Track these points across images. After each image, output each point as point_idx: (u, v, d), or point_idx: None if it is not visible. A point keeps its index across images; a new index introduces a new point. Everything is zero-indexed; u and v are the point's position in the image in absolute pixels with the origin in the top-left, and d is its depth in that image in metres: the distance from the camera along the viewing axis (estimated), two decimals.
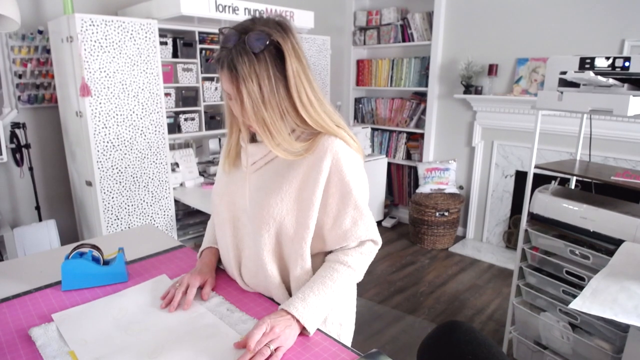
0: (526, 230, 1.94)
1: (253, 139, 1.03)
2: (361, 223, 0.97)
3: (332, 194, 0.94)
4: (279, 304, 1.01)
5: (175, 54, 2.74)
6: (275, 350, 0.82)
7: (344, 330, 1.10)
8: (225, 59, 0.86)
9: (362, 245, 0.99)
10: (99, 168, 2.37)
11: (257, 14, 2.76)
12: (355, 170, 0.95)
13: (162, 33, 2.63)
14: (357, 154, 0.97)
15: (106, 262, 1.12)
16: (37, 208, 2.56)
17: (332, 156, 0.92)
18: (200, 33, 2.80)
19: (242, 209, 1.01)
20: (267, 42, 0.85)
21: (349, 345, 1.08)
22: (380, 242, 1.02)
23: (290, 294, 1.00)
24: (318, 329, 0.93)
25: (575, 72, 1.65)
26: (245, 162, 1.02)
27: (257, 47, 0.84)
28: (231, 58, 0.85)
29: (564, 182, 2.12)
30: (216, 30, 2.88)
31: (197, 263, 1.14)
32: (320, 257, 1.01)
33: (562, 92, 1.70)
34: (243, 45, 0.85)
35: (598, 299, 1.33)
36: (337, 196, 0.94)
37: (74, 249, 1.11)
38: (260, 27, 0.86)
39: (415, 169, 4.01)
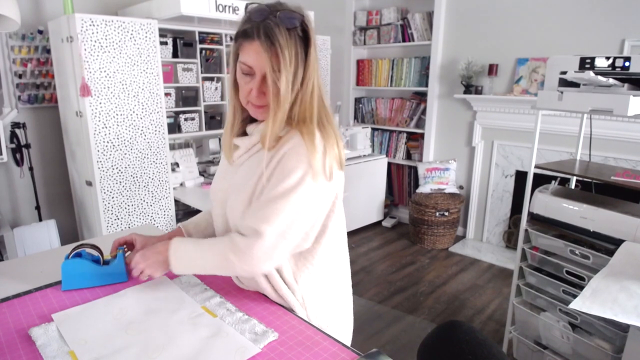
0: (526, 230, 1.94)
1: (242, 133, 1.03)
2: (262, 212, 0.89)
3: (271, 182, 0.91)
4: (276, 302, 1.01)
5: (175, 54, 2.74)
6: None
7: (341, 329, 1.09)
8: (259, 28, 0.85)
9: (248, 236, 0.90)
10: (99, 168, 2.37)
11: None
12: (297, 166, 0.88)
13: (162, 33, 2.63)
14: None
15: (106, 262, 1.12)
16: (37, 208, 2.56)
17: (286, 149, 0.90)
18: (200, 33, 2.80)
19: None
20: (299, 22, 0.86)
21: (349, 344, 1.08)
22: (266, 240, 0.88)
23: (276, 289, 1.00)
24: (318, 329, 0.93)
25: (575, 72, 1.65)
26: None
27: (290, 24, 0.85)
28: (269, 27, 0.84)
29: (564, 182, 2.12)
30: (217, 30, 2.88)
31: None
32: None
33: (562, 92, 1.70)
34: (275, 19, 0.85)
35: (598, 299, 1.33)
36: (270, 183, 0.91)
37: (74, 249, 1.11)
38: (291, 8, 0.88)
39: (415, 169, 4.01)
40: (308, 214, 0.92)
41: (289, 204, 0.88)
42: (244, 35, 0.89)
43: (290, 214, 0.89)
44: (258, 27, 0.85)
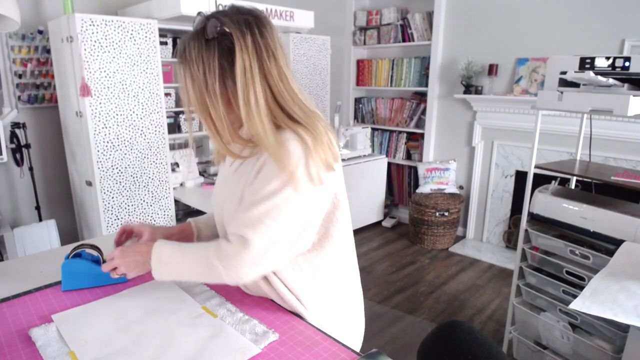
0: (526, 230, 1.94)
1: None
2: (246, 217, 0.86)
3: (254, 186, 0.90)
4: (279, 304, 1.01)
5: (175, 54, 2.73)
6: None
7: (351, 335, 1.07)
8: (180, 45, 0.90)
9: (234, 243, 0.87)
10: (99, 168, 2.37)
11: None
12: (277, 172, 0.85)
13: (162, 33, 2.63)
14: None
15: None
16: (37, 208, 2.56)
17: (267, 154, 0.87)
18: None
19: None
20: (217, 31, 0.85)
21: (358, 348, 1.07)
22: (254, 247, 0.84)
23: (281, 296, 0.97)
24: (318, 329, 0.93)
25: (575, 72, 1.65)
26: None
27: (210, 34, 0.85)
28: (185, 42, 0.88)
29: (564, 182, 2.12)
30: None
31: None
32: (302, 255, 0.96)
33: (562, 92, 1.70)
34: (202, 30, 0.86)
35: (598, 299, 1.33)
36: (251, 188, 0.89)
37: (74, 249, 1.11)
38: (221, 16, 0.86)
39: (415, 169, 4.01)
40: (297, 218, 0.87)
41: (273, 209, 0.84)
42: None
43: (276, 219, 0.85)
44: (181, 43, 0.89)
